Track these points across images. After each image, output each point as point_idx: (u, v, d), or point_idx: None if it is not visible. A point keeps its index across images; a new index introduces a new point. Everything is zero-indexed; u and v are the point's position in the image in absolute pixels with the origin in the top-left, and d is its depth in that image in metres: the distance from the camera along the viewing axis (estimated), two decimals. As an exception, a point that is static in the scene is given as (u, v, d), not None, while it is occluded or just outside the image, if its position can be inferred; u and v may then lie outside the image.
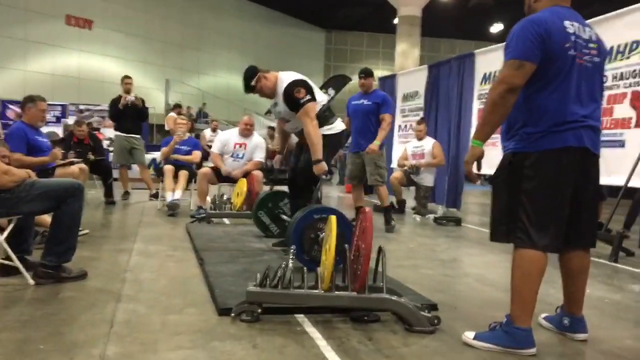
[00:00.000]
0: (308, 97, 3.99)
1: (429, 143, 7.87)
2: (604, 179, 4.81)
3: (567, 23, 2.43)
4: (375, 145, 6.10)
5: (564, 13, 2.48)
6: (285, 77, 4.16)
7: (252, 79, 4.20)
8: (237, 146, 6.74)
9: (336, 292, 2.72)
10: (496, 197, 2.58)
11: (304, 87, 4.03)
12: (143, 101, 8.37)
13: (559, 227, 2.44)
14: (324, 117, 4.20)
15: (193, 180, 7.19)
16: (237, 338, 2.49)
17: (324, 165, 4.00)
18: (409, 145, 8.29)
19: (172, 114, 11.75)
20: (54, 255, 3.36)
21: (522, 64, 2.37)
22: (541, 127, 2.42)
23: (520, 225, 2.45)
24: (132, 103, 8.10)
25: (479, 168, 2.62)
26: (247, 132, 6.76)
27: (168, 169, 7.06)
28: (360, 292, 2.68)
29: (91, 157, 7.50)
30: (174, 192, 6.91)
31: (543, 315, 2.86)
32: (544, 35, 2.37)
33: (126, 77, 8.38)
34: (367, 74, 6.43)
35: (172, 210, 6.71)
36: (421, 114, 9.06)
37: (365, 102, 6.32)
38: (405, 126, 9.62)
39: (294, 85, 4.03)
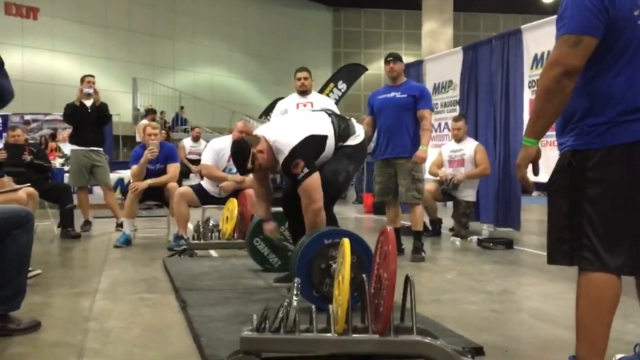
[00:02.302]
0: (306, 170, 4.06)
1: (469, 146, 7.87)
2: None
3: (633, -16, 2.46)
4: (423, 152, 6.09)
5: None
6: (282, 143, 4.16)
7: (247, 162, 4.20)
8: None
9: (354, 336, 2.74)
10: (554, 209, 2.59)
11: (303, 156, 4.08)
12: (105, 105, 8.46)
13: (635, 242, 2.45)
14: (344, 131, 4.38)
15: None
16: (230, 397, 2.51)
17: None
18: (444, 148, 8.33)
19: (144, 122, 11.87)
20: (-2, 301, 3.40)
21: (580, 39, 2.38)
22: (607, 116, 2.44)
23: (586, 242, 2.45)
24: (93, 100, 8.18)
25: (535, 173, 2.61)
26: None
27: (134, 185, 7.04)
28: (384, 335, 2.69)
29: (27, 157, 7.66)
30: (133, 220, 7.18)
31: (619, 356, 2.86)
32: (606, 2, 2.39)
33: (88, 76, 8.45)
34: (395, 57, 6.39)
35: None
36: (458, 108, 9.11)
37: (398, 94, 6.26)
38: (439, 125, 9.64)
39: (291, 158, 4.08)
